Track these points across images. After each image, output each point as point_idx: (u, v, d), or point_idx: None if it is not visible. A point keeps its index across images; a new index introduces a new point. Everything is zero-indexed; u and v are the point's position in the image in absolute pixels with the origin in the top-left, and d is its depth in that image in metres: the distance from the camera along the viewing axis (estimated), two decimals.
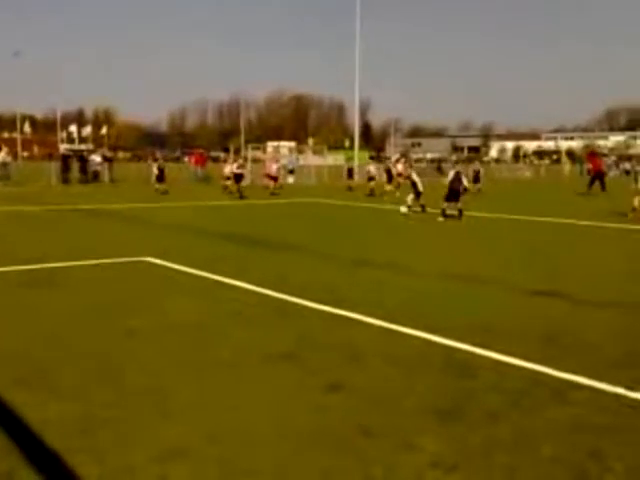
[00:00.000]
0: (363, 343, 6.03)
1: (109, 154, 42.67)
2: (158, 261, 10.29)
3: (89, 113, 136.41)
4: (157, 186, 28.32)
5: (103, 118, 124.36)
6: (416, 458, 3.77)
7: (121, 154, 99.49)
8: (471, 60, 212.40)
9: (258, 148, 54.70)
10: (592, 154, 37.72)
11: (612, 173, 54.07)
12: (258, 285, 8.45)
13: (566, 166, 67.03)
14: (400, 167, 31.35)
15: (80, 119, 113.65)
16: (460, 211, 18.12)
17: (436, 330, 6.37)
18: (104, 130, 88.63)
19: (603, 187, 30.24)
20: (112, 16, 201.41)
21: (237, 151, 59.13)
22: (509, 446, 3.94)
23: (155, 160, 32.99)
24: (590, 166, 33.67)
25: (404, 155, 55.10)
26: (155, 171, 29.18)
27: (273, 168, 30.36)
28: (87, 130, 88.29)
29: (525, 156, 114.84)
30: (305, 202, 24.81)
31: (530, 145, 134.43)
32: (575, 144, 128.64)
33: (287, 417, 4.33)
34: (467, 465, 3.70)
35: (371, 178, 29.28)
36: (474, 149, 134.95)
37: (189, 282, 8.95)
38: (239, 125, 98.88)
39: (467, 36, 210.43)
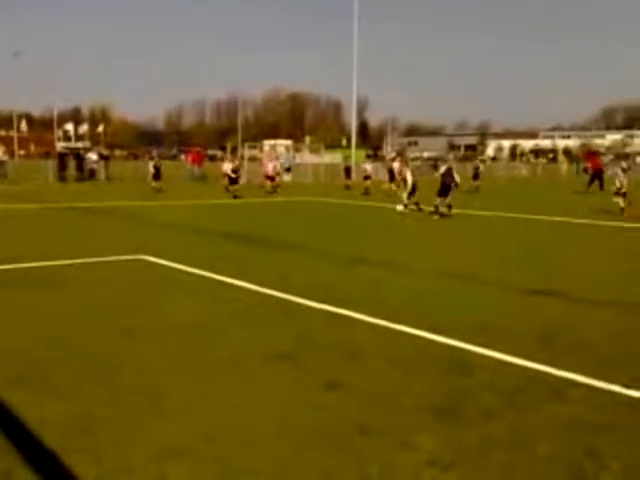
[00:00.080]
0: (362, 342, 6.04)
1: (105, 152, 42.65)
2: (156, 260, 10.28)
3: (86, 111, 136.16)
4: (153, 184, 28.30)
5: (100, 116, 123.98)
6: (413, 456, 3.78)
7: (118, 152, 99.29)
8: (468, 59, 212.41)
9: (255, 147, 54.60)
10: (591, 153, 37.87)
11: (610, 171, 54.11)
12: (258, 284, 8.45)
13: (563, 165, 67.06)
14: (396, 165, 31.37)
15: (77, 117, 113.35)
16: (449, 206, 18.41)
17: (434, 329, 6.39)
18: (100, 128, 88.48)
19: (601, 186, 30.33)
20: (112, 16, 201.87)
21: (234, 149, 59.03)
22: (506, 444, 3.95)
23: (151, 158, 32.94)
24: (589, 165, 33.77)
25: (400, 154, 55.06)
26: (151, 169, 29.15)
27: (269, 167, 30.35)
28: (84, 128, 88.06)
29: (522, 155, 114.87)
30: (303, 201, 24.80)
31: (527, 144, 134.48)
32: (572, 143, 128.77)
33: (285, 416, 4.34)
34: (464, 463, 3.71)
35: (367, 177, 29.31)
36: (471, 147, 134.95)
37: (188, 281, 8.94)
38: (236, 123, 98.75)
39: (464, 35, 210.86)
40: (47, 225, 15.95)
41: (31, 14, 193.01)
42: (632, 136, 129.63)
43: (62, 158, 36.74)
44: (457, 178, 18.90)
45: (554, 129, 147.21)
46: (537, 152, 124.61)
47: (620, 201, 19.39)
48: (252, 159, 46.06)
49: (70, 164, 36.37)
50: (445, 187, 18.48)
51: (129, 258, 10.50)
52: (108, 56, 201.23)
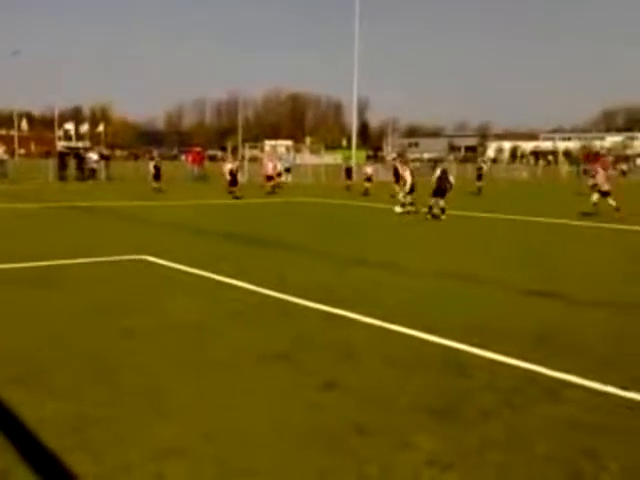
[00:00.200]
0: (358, 342, 6.05)
1: (106, 152, 42.67)
2: (156, 260, 10.29)
3: (86, 111, 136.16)
4: (154, 184, 28.32)
5: (100, 116, 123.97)
6: (412, 456, 3.80)
7: (118, 152, 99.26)
8: (468, 59, 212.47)
9: (255, 147, 54.68)
10: (597, 155, 38.09)
11: (610, 173, 54.13)
12: (257, 285, 8.46)
13: (564, 167, 66.99)
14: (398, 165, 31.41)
15: (77, 117, 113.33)
16: (443, 209, 18.42)
17: (432, 329, 6.40)
18: (101, 128, 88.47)
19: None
20: (112, 16, 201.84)
21: (234, 150, 59.06)
22: (503, 444, 3.97)
23: (152, 158, 32.97)
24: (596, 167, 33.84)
25: (400, 155, 55.12)
26: (152, 169, 29.17)
27: (269, 167, 30.38)
28: (84, 128, 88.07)
29: (522, 156, 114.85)
30: (302, 201, 24.81)
31: (527, 145, 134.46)
32: (572, 145, 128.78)
33: (283, 416, 4.35)
34: (462, 463, 3.72)
35: (368, 179, 29.36)
36: (471, 149, 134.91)
37: (188, 281, 8.95)
38: (237, 124, 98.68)
39: (465, 36, 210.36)
40: (47, 225, 15.95)
41: (31, 14, 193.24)
42: (632, 138, 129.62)
43: (62, 157, 36.80)
44: (451, 179, 19.04)
45: (555, 131, 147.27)
46: (537, 154, 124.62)
47: (610, 201, 19.74)
48: (253, 159, 46.13)
49: (70, 164, 36.41)
50: (441, 190, 18.61)
51: (129, 258, 10.51)
52: (108, 56, 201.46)
